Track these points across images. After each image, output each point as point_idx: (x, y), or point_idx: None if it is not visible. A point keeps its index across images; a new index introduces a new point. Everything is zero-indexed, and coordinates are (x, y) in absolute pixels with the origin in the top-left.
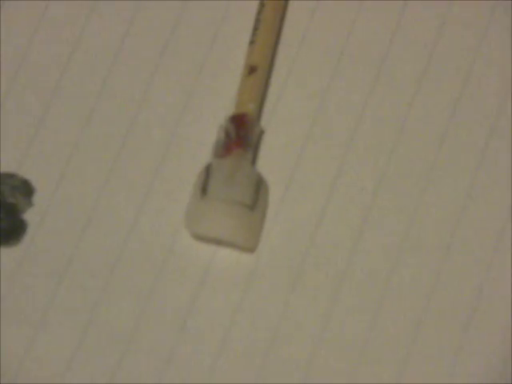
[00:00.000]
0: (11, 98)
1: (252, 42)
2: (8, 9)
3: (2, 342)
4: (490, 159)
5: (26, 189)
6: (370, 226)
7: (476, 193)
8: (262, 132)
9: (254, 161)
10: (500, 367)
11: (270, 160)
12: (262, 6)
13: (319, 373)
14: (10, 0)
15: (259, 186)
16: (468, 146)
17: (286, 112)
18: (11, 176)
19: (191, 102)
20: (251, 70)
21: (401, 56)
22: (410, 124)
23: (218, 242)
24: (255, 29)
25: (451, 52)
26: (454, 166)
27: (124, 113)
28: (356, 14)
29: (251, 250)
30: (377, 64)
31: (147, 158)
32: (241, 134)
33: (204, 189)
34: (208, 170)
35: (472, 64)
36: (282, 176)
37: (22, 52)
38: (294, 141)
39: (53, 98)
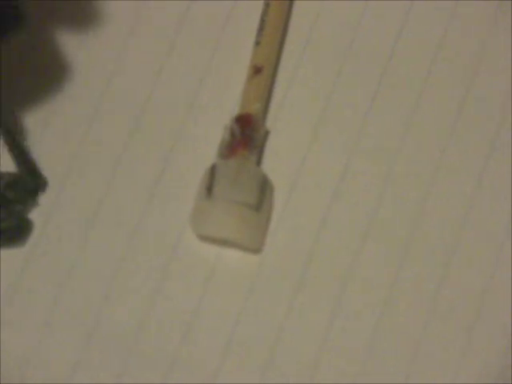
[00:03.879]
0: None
1: (257, 43)
2: None
3: (6, 345)
4: (494, 161)
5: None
6: (375, 227)
7: (479, 197)
8: (267, 132)
9: (259, 161)
10: (500, 367)
11: (275, 160)
12: (267, 6)
13: (324, 374)
14: None
15: (264, 187)
16: (473, 148)
17: (291, 112)
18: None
19: (196, 103)
20: (256, 70)
21: (406, 56)
22: (415, 125)
23: (223, 242)
24: (260, 29)
25: (456, 52)
26: (459, 168)
27: (129, 113)
28: (361, 15)
29: (256, 250)
30: (382, 64)
31: (152, 159)
32: (246, 135)
33: (209, 189)
34: (213, 171)
35: (477, 64)
36: (287, 176)
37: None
38: (299, 141)
39: (58, 97)
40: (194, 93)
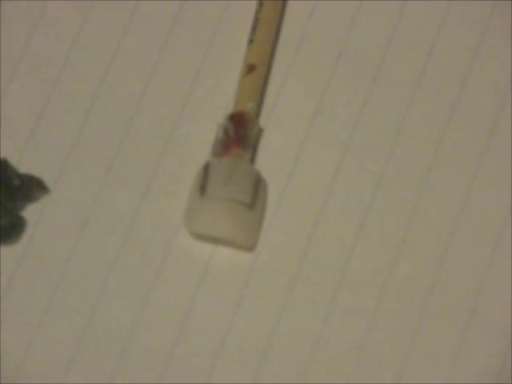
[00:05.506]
0: (11, 95)
1: (251, 41)
2: (8, 8)
3: (1, 341)
4: (489, 159)
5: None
6: (369, 226)
7: (475, 193)
8: (260, 131)
9: (252, 159)
10: (500, 367)
11: (269, 159)
12: (260, 5)
13: (317, 373)
14: (9, 0)
15: (258, 185)
16: (468, 146)
17: (285, 111)
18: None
19: (190, 101)
20: (250, 68)
21: (400, 55)
22: (409, 123)
23: (217, 240)
24: (254, 28)
25: (451, 52)
26: (454, 166)
27: (123, 111)
28: (355, 13)
29: (250, 248)
30: (376, 63)
31: (146, 157)
32: (239, 133)
33: (203, 188)
34: (207, 169)
35: (472, 64)
36: (281, 174)
37: (20, 51)
38: (293, 139)
39: (52, 96)
40: (187, 91)
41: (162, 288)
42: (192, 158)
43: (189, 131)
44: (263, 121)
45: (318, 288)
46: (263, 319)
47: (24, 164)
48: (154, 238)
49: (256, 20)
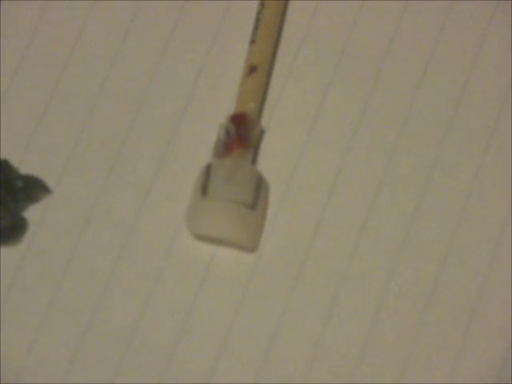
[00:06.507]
0: (12, 96)
1: (252, 42)
2: (9, 8)
3: (2, 342)
4: (490, 160)
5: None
6: (370, 226)
7: (476, 194)
8: (262, 131)
9: (254, 160)
10: (500, 367)
11: (271, 159)
12: (262, 5)
13: (319, 373)
14: (10, 0)
15: (259, 186)
16: (469, 147)
17: (287, 111)
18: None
19: (192, 102)
20: (251, 69)
21: (402, 56)
22: (411, 124)
23: (219, 241)
24: (255, 28)
25: (452, 52)
26: (455, 167)
27: (124, 112)
28: (357, 14)
29: (251, 249)
30: (377, 64)
31: (148, 158)
32: (241, 134)
33: (204, 188)
34: (208, 170)
35: (473, 64)
36: (283, 175)
37: (22, 51)
38: (295, 140)
39: (53, 97)
40: (188, 92)
41: (164, 289)
42: (193, 159)
43: (190, 132)
44: (265, 121)
45: (320, 289)
46: (265, 320)
47: (25, 165)
48: (155, 239)
49: (257, 20)
